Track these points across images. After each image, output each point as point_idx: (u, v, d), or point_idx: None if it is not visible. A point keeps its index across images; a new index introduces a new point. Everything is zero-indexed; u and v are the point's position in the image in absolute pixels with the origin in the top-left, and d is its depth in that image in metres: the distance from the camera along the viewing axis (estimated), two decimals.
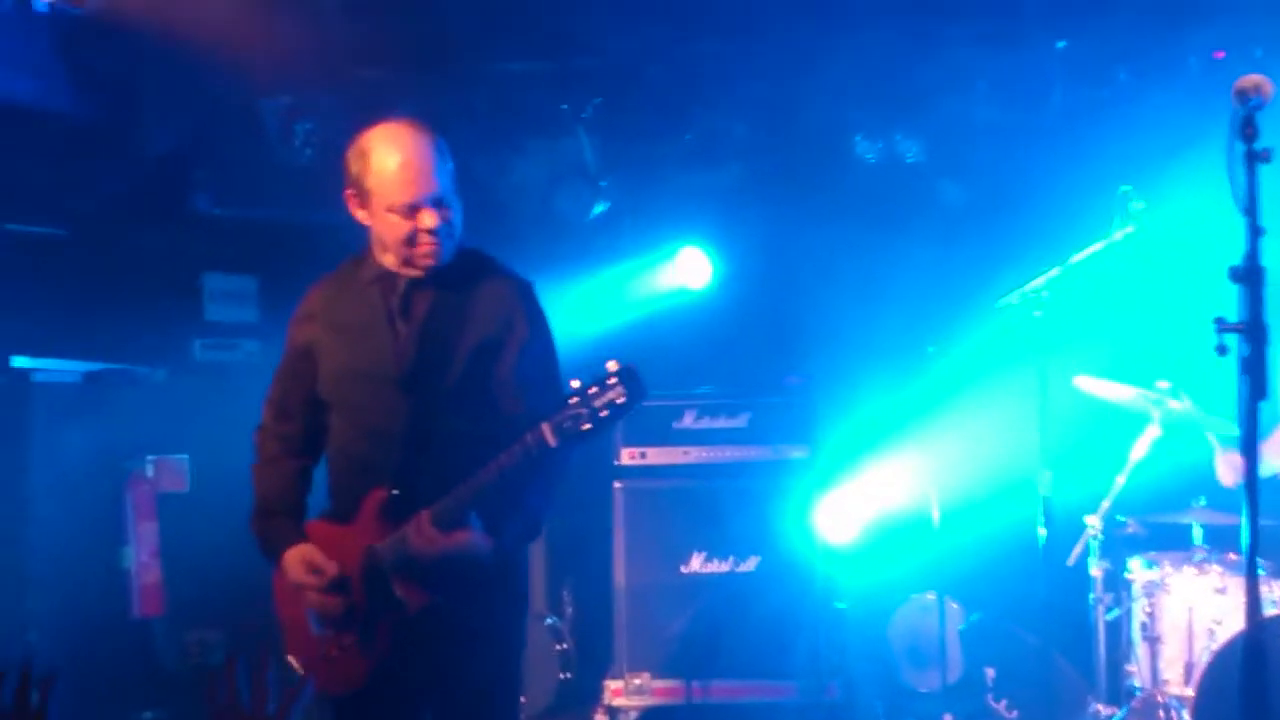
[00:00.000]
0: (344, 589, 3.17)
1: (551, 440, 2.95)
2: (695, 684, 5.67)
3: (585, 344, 5.21)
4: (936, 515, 6.04)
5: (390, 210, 3.15)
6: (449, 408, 3.18)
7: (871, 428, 6.30)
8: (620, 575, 5.81)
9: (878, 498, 6.23)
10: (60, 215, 6.11)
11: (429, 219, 3.14)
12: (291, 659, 3.28)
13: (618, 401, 2.92)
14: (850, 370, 6.42)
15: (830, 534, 5.92)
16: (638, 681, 5.72)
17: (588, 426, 2.93)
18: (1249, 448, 2.61)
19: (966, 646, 6.15)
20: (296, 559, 3.23)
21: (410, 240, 3.16)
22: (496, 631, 3.29)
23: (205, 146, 6.37)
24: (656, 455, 5.90)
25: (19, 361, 5.66)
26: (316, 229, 5.77)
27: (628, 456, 5.91)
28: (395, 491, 3.15)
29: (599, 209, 6.61)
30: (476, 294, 3.26)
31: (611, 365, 2.96)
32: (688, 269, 6.70)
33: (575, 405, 2.93)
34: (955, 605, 6.26)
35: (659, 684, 5.72)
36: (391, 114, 3.34)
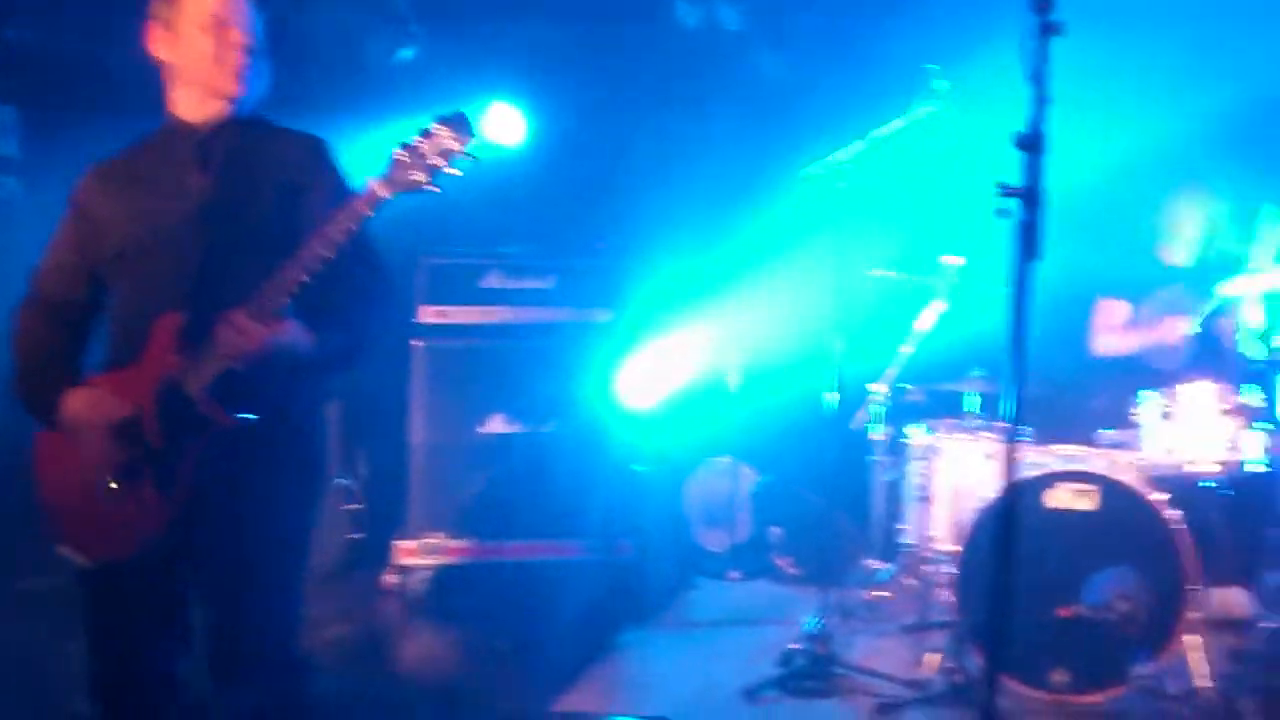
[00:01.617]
0: (135, 430, 2.92)
1: (383, 192, 2.84)
2: (489, 543, 5.71)
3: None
4: (735, 381, 6.19)
5: (201, 27, 3.03)
6: (246, 259, 3.00)
7: (675, 294, 6.37)
8: (417, 435, 5.76)
9: (679, 363, 6.33)
10: None
11: (239, 35, 3.04)
12: (67, 549, 3.02)
13: (451, 148, 2.83)
14: (658, 235, 6.44)
15: (631, 398, 5.99)
16: (431, 541, 5.69)
17: (420, 177, 2.83)
18: (1018, 309, 2.72)
19: (756, 508, 6.38)
20: (79, 400, 3.00)
21: (219, 58, 3.04)
22: (289, 501, 3.11)
23: None
24: (458, 314, 5.82)
25: None
26: (85, 59, 5.36)
27: (428, 315, 5.81)
28: (188, 316, 2.93)
29: (406, 54, 6.40)
30: (271, 151, 3.13)
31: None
32: (499, 125, 6.55)
33: (404, 157, 2.84)
34: (748, 468, 6.47)
35: (452, 544, 5.71)
36: None
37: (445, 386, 5.78)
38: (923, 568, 5.32)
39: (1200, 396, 4.74)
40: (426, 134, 2.85)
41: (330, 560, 5.86)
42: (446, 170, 2.85)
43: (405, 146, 2.85)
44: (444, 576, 5.73)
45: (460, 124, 2.86)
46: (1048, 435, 5.01)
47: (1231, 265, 5.26)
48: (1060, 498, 4.59)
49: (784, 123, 6.41)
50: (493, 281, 5.87)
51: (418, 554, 5.70)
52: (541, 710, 4.48)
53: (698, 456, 6.60)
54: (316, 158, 3.17)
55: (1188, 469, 4.74)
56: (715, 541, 6.49)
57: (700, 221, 6.47)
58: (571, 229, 6.39)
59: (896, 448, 5.52)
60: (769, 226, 6.19)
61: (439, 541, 5.70)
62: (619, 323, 5.94)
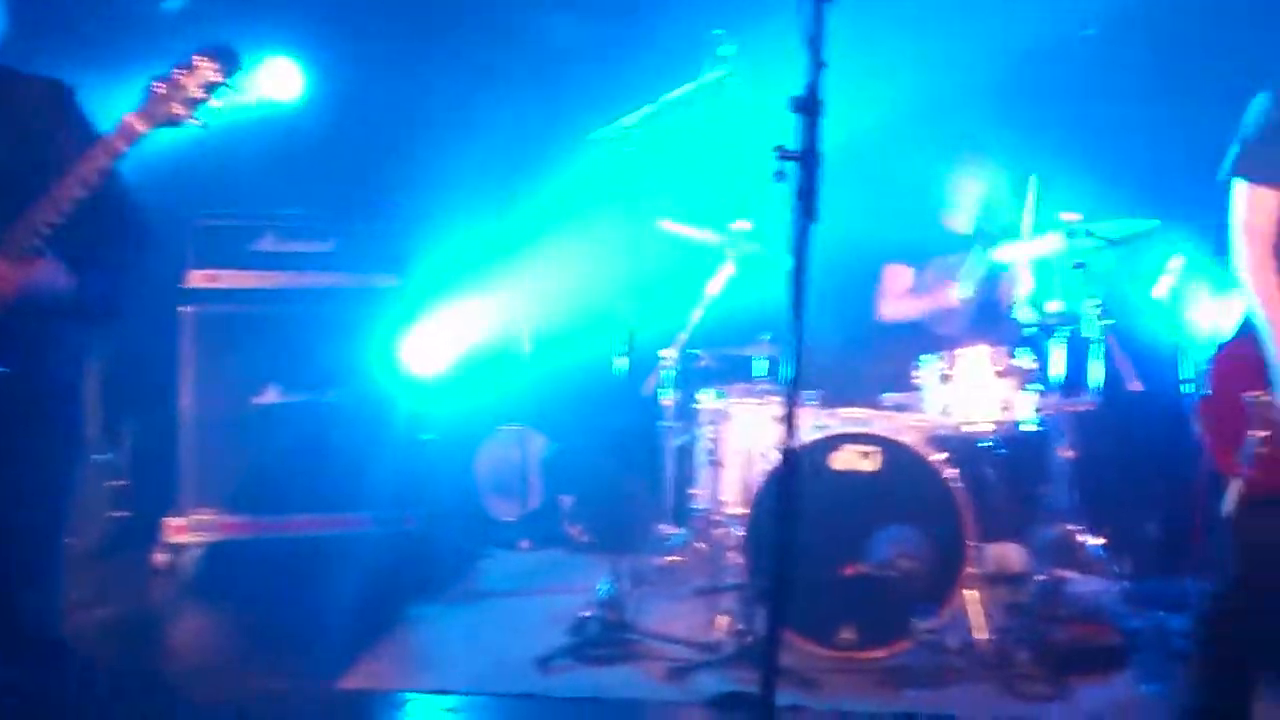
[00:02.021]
0: None
1: (140, 126, 2.69)
2: (268, 519, 5.50)
3: (155, 155, 4.79)
4: (527, 347, 6.10)
5: None
6: None
7: (464, 259, 6.22)
8: (186, 406, 5.49)
9: (467, 330, 6.20)
10: None
11: None
12: None
13: (213, 80, 2.70)
14: (445, 199, 6.28)
15: (417, 365, 5.84)
16: (202, 518, 5.46)
17: (180, 110, 2.70)
18: (797, 273, 2.70)
19: (547, 475, 6.31)
20: None
21: None
22: (44, 461, 2.93)
23: None
24: (231, 279, 5.55)
25: None
26: None
27: (198, 279, 5.52)
28: None
29: (173, 2, 6.02)
30: (8, 95, 2.90)
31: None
32: (274, 80, 6.21)
33: (162, 90, 2.69)
34: (539, 436, 6.39)
35: (227, 520, 5.48)
36: None
37: (217, 355, 5.53)
38: (714, 531, 5.33)
39: (977, 359, 4.87)
40: (186, 66, 2.72)
41: (93, 540, 5.48)
42: (210, 103, 2.72)
43: (163, 79, 2.72)
44: (219, 554, 5.49)
45: (223, 56, 2.74)
46: (833, 398, 5.08)
47: (1008, 232, 5.42)
48: (844, 459, 4.65)
49: (573, 86, 6.32)
50: (268, 244, 5.63)
51: (188, 531, 5.45)
52: (327, 689, 4.32)
53: (488, 425, 6.48)
54: (58, 102, 2.97)
55: (965, 429, 4.87)
56: (506, 511, 6.40)
57: (489, 185, 6.33)
58: (354, 191, 6.15)
59: (687, 412, 5.52)
60: (559, 190, 6.09)
61: (211, 518, 5.47)
62: (404, 288, 5.78)
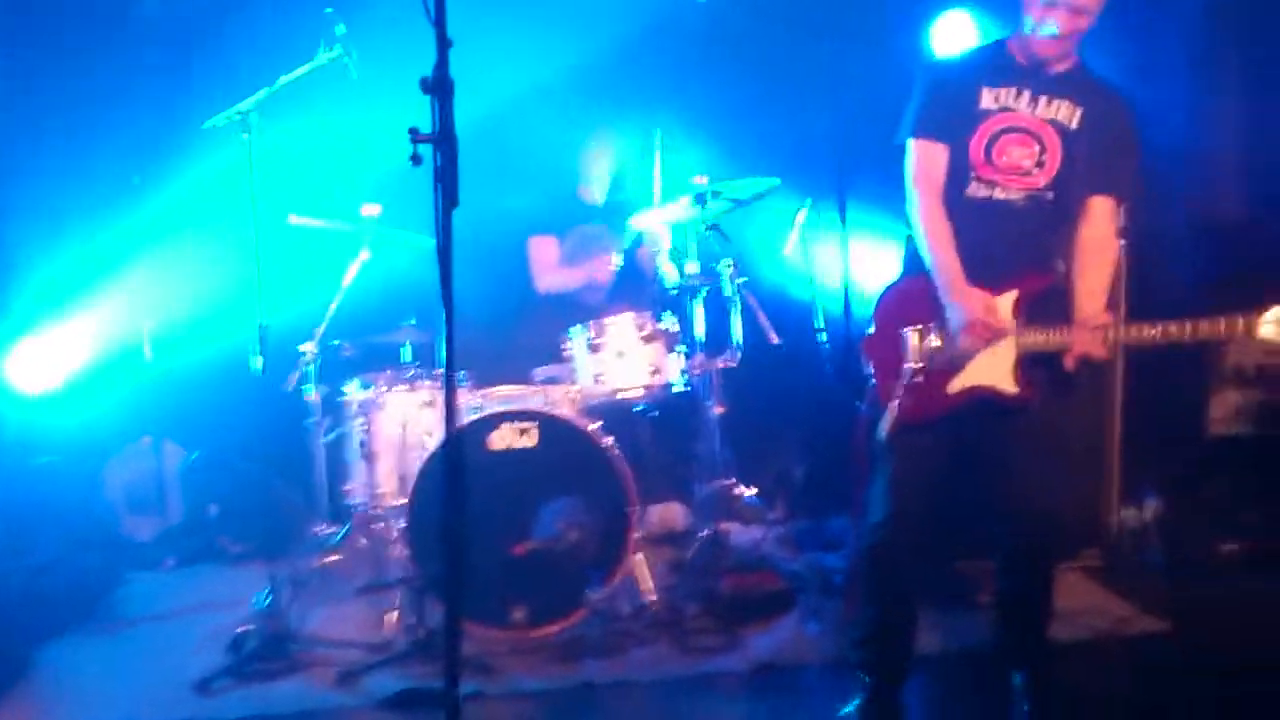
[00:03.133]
0: None
1: None
2: None
3: None
4: (149, 351, 5.69)
5: None
6: None
7: (74, 264, 5.73)
8: None
9: (82, 339, 5.72)
10: None
11: None
12: None
13: None
14: (48, 202, 5.78)
15: (24, 383, 5.32)
16: None
17: None
18: (443, 256, 2.61)
19: (187, 487, 5.92)
20: None
21: None
22: None
23: None
24: None
25: None
26: None
27: None
28: None
29: None
30: None
31: None
32: None
33: None
34: (173, 446, 5.99)
35: None
36: None
37: None
38: (373, 526, 5.16)
39: (623, 326, 4.92)
40: None
41: None
42: None
43: None
44: None
45: None
46: (485, 378, 5.01)
47: (640, 200, 5.50)
48: (503, 438, 4.61)
49: (182, 73, 5.91)
50: None
51: None
52: None
53: (114, 439, 6.00)
54: None
55: (618, 396, 4.92)
56: (145, 529, 5.95)
57: (99, 183, 5.84)
58: None
59: (334, 406, 5.30)
60: (176, 183, 5.70)
61: None
62: (6, 306, 5.25)
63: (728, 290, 5.02)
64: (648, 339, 4.92)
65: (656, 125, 5.43)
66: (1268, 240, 5.87)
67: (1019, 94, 3.63)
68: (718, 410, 5.12)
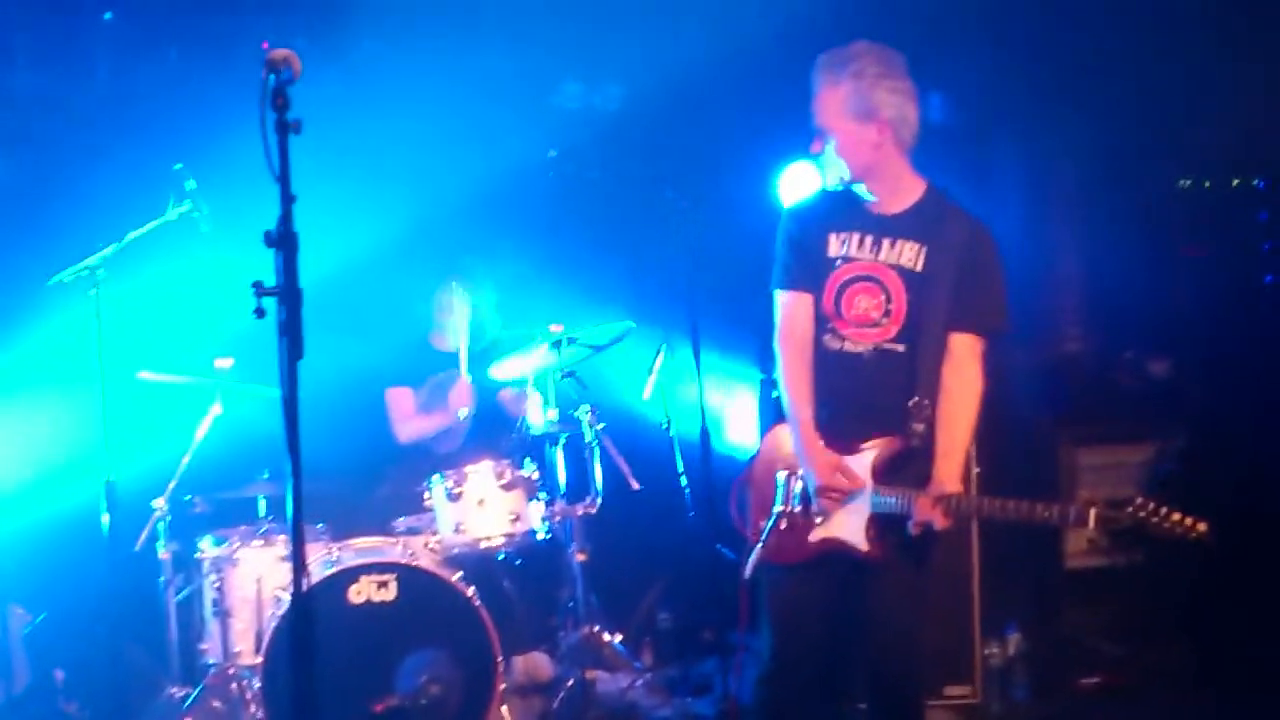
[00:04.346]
0: None
1: None
2: None
3: None
4: None
5: None
6: None
7: None
8: None
9: None
10: None
11: None
12: None
13: None
14: None
15: None
16: None
17: None
18: (290, 408, 2.60)
19: (32, 651, 5.66)
20: None
21: None
22: None
23: None
24: None
25: None
26: None
27: None
28: None
29: None
30: None
31: None
32: None
33: None
34: (18, 609, 5.74)
35: None
36: None
37: None
38: (229, 686, 4.99)
39: (483, 474, 4.91)
40: None
41: None
42: None
43: None
44: None
45: None
46: (342, 529, 4.94)
47: (501, 347, 5.54)
48: (360, 591, 4.54)
49: (25, 230, 5.84)
50: None
51: None
52: None
53: None
54: None
55: (480, 545, 4.88)
56: None
57: None
58: None
59: (187, 563, 5.16)
60: (21, 340, 5.58)
61: None
62: None
63: (587, 436, 5.07)
64: (508, 487, 4.91)
65: (511, 272, 5.49)
66: (1111, 372, 6.16)
67: (861, 240, 3.52)
68: (580, 557, 5.11)
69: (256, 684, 4.58)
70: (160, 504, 4.96)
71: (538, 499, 5.00)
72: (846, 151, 3.47)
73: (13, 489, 5.60)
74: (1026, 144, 6.19)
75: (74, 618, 5.63)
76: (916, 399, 3.45)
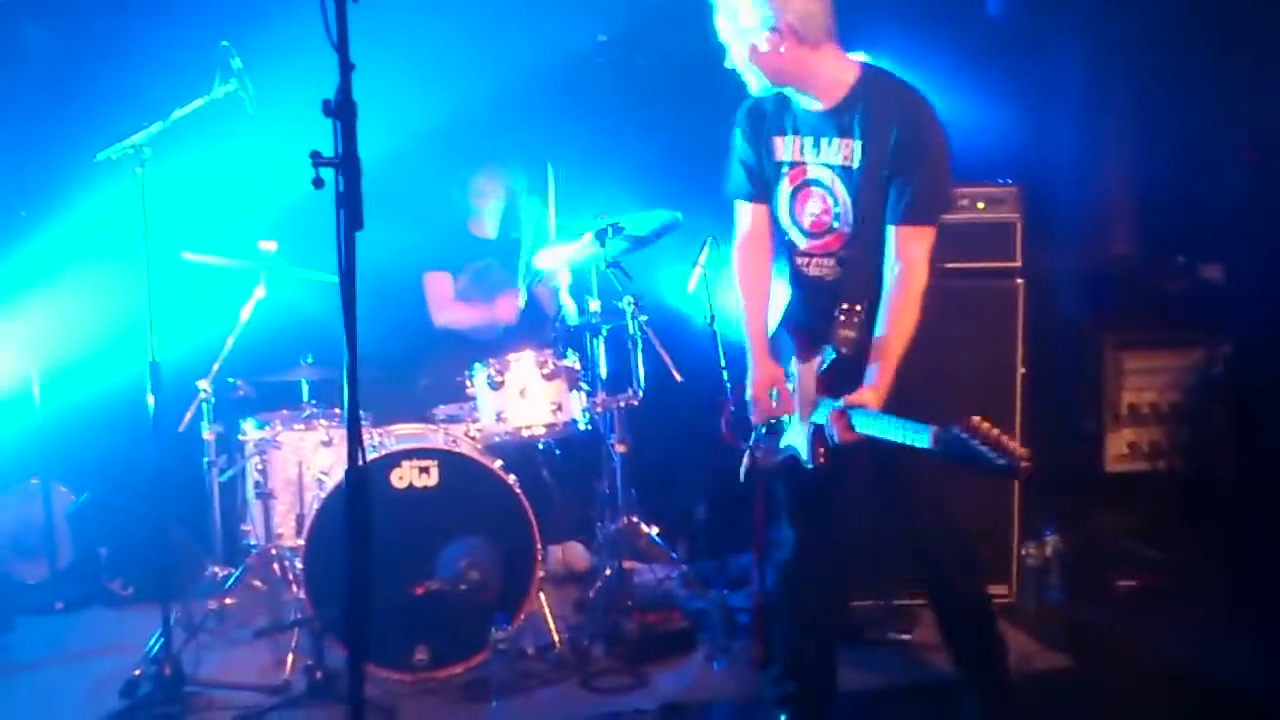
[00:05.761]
0: None
1: None
2: None
3: None
4: (38, 393, 5.53)
5: None
6: None
7: None
8: None
9: None
10: None
11: None
12: None
13: None
14: None
15: None
16: None
17: None
18: (346, 280, 2.57)
19: (76, 529, 5.74)
20: None
21: None
22: None
23: None
24: None
25: None
26: None
27: None
28: None
29: None
30: None
31: None
32: None
33: None
34: (62, 487, 5.82)
35: None
36: None
37: None
38: (271, 567, 5.07)
39: (525, 363, 4.90)
40: None
41: None
42: None
43: None
44: None
45: None
46: (384, 416, 4.95)
47: (538, 237, 5.50)
48: (403, 477, 4.56)
49: (71, 106, 5.79)
50: None
51: None
52: None
53: (1, 482, 5.81)
54: None
55: (521, 434, 4.89)
56: (32, 573, 5.75)
57: None
58: None
59: (230, 445, 5.20)
60: (66, 217, 5.57)
61: None
62: None
63: (630, 328, 5.04)
64: (550, 376, 4.90)
65: (551, 160, 5.43)
66: (1161, 276, 6.06)
67: (800, 143, 3.43)
68: (620, 449, 5.11)
69: (299, 565, 4.62)
70: (205, 385, 4.98)
71: (579, 389, 4.99)
72: (753, 62, 3.36)
73: (58, 370, 5.64)
74: (1085, 37, 6.01)
75: (118, 497, 5.71)
76: (846, 305, 3.30)
